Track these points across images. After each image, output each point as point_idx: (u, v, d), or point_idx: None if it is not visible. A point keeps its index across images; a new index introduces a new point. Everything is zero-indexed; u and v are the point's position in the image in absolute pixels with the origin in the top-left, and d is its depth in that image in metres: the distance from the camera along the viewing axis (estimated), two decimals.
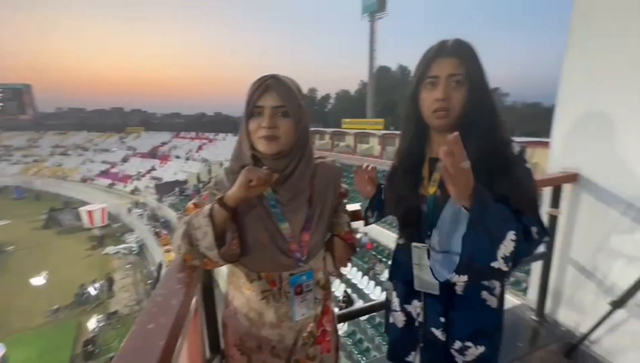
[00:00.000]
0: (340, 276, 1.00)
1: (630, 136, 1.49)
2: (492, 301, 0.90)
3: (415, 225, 0.93)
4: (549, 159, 1.84)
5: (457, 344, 0.91)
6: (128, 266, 18.57)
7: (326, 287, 0.97)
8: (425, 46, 0.87)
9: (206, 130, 44.90)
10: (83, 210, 21.52)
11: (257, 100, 0.79)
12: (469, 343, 0.90)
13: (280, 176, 0.82)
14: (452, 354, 0.92)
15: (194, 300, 0.85)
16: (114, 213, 26.48)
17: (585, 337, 1.66)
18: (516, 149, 0.84)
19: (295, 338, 0.91)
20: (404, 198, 0.93)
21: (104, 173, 36.98)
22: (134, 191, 29.77)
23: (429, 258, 0.91)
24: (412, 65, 0.94)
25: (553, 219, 1.77)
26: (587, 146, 1.65)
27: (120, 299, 15.33)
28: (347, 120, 30.28)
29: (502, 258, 0.71)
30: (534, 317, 1.91)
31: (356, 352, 9.24)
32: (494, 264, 0.72)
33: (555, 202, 1.75)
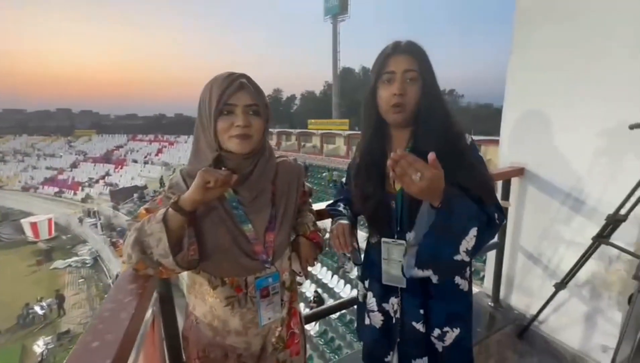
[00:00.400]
0: (307, 276, 0.99)
1: (566, 133, 1.64)
2: (464, 285, 0.96)
3: (385, 222, 0.95)
4: (499, 155, 1.97)
5: (437, 332, 0.94)
6: (81, 280, 17.16)
7: (292, 288, 0.96)
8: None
9: (166, 132, 42.84)
10: (26, 222, 19.53)
11: (228, 98, 0.77)
12: (446, 329, 0.94)
13: (240, 175, 0.79)
14: (432, 342, 0.95)
15: (149, 312, 0.80)
16: (63, 223, 24.37)
17: (534, 318, 1.80)
18: (468, 140, 0.90)
19: (263, 344, 0.89)
20: (371, 196, 0.94)
21: (50, 180, 33.83)
22: (86, 198, 27.54)
23: (404, 255, 0.91)
24: None
25: (504, 211, 1.91)
26: (531, 142, 1.80)
27: (72, 317, 14.12)
28: (313, 121, 30.46)
29: (465, 251, 0.76)
30: (490, 303, 2.04)
31: (328, 351, 9.30)
32: (457, 257, 0.77)
33: (505, 195, 1.88)
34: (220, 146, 0.79)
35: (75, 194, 29.60)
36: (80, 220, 23.09)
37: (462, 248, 0.76)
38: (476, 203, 0.79)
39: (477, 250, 0.78)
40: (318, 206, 1.14)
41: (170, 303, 1.02)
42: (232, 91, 0.76)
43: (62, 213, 25.25)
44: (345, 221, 1.02)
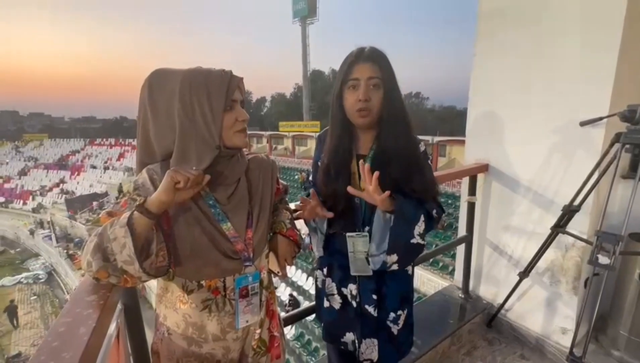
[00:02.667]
0: (285, 275, 0.97)
1: (525, 130, 1.75)
2: (409, 268, 1.09)
3: (350, 216, 1.01)
4: (465, 152, 2.07)
5: (392, 315, 1.05)
6: (33, 297, 15.71)
7: (269, 288, 0.93)
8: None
9: (128, 136, 40.46)
10: None
11: (232, 94, 0.77)
12: (399, 312, 1.06)
13: (215, 173, 0.76)
14: (388, 326, 1.05)
15: (112, 326, 0.73)
16: (11, 236, 22.29)
17: (501, 307, 1.90)
18: (422, 148, 1.02)
19: (242, 349, 0.85)
20: (338, 192, 0.98)
21: None
22: (38, 208, 25.33)
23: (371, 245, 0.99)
24: None
25: (472, 205, 1.99)
26: (494, 139, 1.90)
27: (24, 338, 12.87)
28: (284, 123, 30.27)
29: (418, 235, 0.95)
30: (460, 295, 2.12)
31: (305, 353, 9.24)
32: (413, 240, 0.95)
33: (472, 190, 1.96)
34: (224, 143, 0.78)
35: (25, 204, 27.15)
36: (32, 232, 21.19)
37: (416, 232, 0.94)
38: (418, 201, 0.97)
39: (427, 232, 0.98)
40: (294, 205, 1.13)
41: (136, 315, 0.95)
42: (234, 86, 0.77)
43: (9, 225, 23.08)
44: (304, 194, 1.07)
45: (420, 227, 0.94)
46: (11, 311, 13.54)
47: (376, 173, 0.86)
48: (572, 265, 1.66)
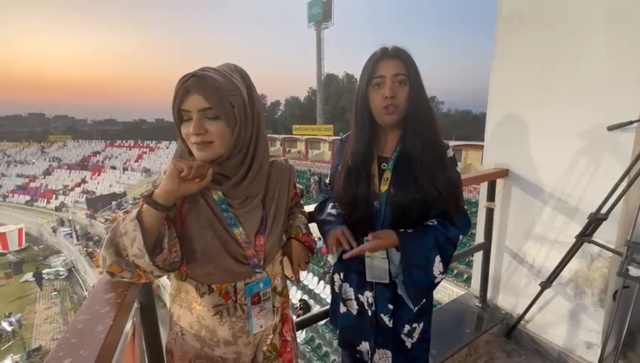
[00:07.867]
0: (299, 280, 0.96)
1: (548, 134, 1.69)
2: None
3: (369, 220, 0.98)
4: (484, 157, 2.01)
5: (406, 328, 1.01)
6: (54, 293, 16.26)
7: (283, 293, 0.92)
8: (369, 54, 0.96)
9: (147, 138, 41.63)
10: None
11: (182, 104, 0.71)
12: (415, 325, 1.02)
13: (229, 184, 0.76)
14: (402, 339, 1.01)
15: (128, 324, 0.74)
16: (35, 233, 23.21)
17: (521, 317, 1.83)
18: (450, 153, 0.99)
19: (254, 354, 0.84)
20: (359, 196, 0.96)
21: (21, 188, 32.15)
22: (60, 207, 26.29)
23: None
24: (357, 73, 1.01)
25: (490, 211, 1.93)
26: (514, 144, 1.84)
27: (45, 332, 13.31)
28: (298, 126, 30.46)
29: (439, 273, 0.94)
30: (478, 304, 2.06)
31: (315, 358, 9.17)
32: (436, 280, 0.94)
33: (491, 196, 1.91)
34: (191, 152, 0.76)
35: (48, 202, 28.26)
36: (54, 230, 22.00)
37: (436, 272, 0.94)
38: (440, 215, 0.96)
39: (449, 264, 0.96)
40: (308, 208, 1.12)
41: (152, 314, 0.96)
42: (182, 96, 0.70)
43: (33, 223, 24.05)
44: (340, 226, 1.02)
45: (438, 267, 0.93)
46: (38, 276, 16.30)
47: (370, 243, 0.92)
48: (598, 276, 1.58)
